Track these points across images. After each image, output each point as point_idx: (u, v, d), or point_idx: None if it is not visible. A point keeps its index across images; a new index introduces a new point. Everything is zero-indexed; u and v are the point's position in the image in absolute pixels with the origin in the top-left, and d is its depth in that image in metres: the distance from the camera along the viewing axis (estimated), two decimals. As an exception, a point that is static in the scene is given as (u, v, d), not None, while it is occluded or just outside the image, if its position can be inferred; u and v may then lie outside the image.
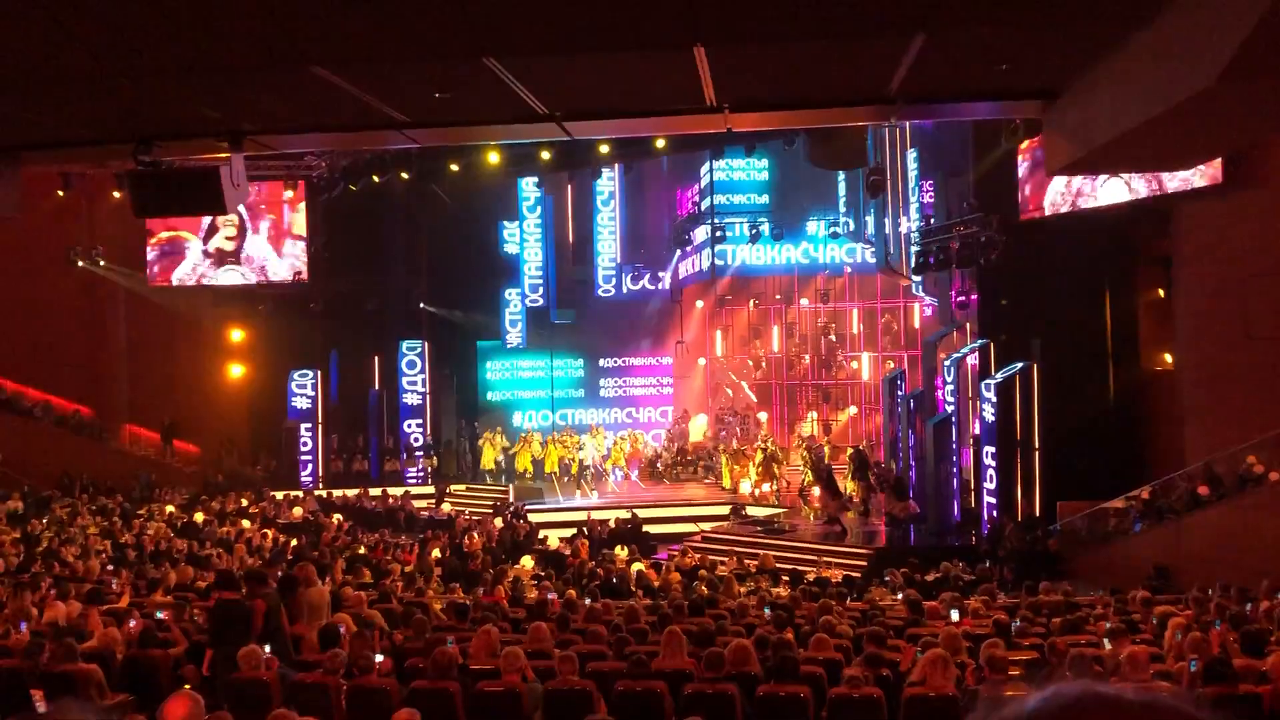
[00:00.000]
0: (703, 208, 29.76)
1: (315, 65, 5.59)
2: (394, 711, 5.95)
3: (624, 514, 21.90)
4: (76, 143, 7.95)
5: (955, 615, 10.07)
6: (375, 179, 23.09)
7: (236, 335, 29.12)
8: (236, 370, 29.12)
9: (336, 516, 22.48)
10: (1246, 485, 16.18)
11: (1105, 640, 8.63)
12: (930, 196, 24.40)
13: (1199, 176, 17.27)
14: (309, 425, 27.60)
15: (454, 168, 22.62)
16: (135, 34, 5.12)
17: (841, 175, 28.10)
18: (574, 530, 20.70)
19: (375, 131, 7.51)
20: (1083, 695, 1.06)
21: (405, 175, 23.16)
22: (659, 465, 27.73)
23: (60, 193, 23.23)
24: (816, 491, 22.00)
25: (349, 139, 9.66)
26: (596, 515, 21.95)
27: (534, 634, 8.98)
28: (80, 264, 25.07)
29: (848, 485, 22.41)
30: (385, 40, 5.24)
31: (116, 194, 21.94)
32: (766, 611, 10.88)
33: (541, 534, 20.76)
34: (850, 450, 24.57)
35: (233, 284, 26.79)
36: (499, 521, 21.46)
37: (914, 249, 22.87)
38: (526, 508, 23.35)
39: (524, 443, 27.31)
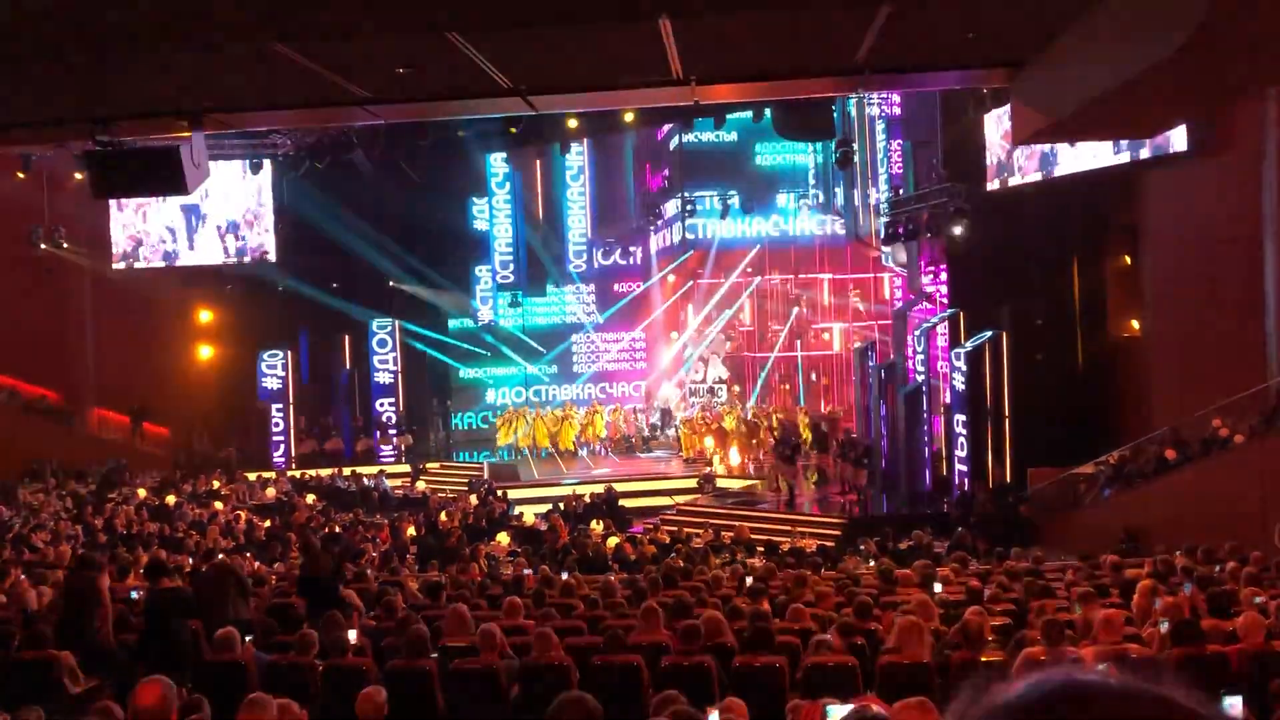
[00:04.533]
0: (671, 181, 29.69)
1: (275, 41, 5.49)
2: (370, 692, 5.94)
3: (599, 488, 21.94)
4: (34, 123, 7.80)
5: (939, 588, 10.14)
6: (341, 156, 22.87)
7: (205, 316, 28.83)
8: (205, 352, 28.83)
9: (310, 497, 22.40)
10: (1212, 449, 16.37)
11: (1076, 605, 8.72)
12: (899, 167, 24.45)
13: (1164, 144, 17.36)
14: (280, 406, 27.41)
15: (421, 143, 22.40)
16: (91, 8, 5.01)
17: (810, 147, 28.09)
18: (549, 506, 20.71)
19: (338, 108, 7.41)
20: (1065, 684, 1.04)
21: (371, 152, 22.93)
22: (632, 439, 27.81)
23: (20, 174, 22.83)
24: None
25: (312, 116, 9.53)
26: (574, 490, 21.98)
27: (510, 610, 8.98)
28: (43, 246, 24.68)
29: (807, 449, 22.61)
30: (345, 15, 5.15)
31: (78, 175, 21.59)
32: (749, 581, 10.92)
33: (517, 510, 20.76)
34: (806, 420, 24.80)
35: (199, 264, 26.60)
36: (474, 499, 21.44)
37: (883, 220, 22.95)
38: (499, 484, 23.35)
39: (562, 419, 27.34)
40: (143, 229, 26.44)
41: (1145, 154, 17.78)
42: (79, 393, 27.41)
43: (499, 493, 22.14)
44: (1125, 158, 18.09)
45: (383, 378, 28.02)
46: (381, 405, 27.99)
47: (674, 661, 7.19)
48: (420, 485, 24.56)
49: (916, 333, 22.36)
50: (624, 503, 21.61)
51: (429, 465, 27.06)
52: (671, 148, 29.75)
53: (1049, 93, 6.09)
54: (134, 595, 9.97)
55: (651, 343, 31.37)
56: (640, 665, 7.18)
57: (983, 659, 7.00)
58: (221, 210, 26.52)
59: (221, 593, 8.84)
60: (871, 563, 13.52)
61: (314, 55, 5.80)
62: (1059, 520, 18.35)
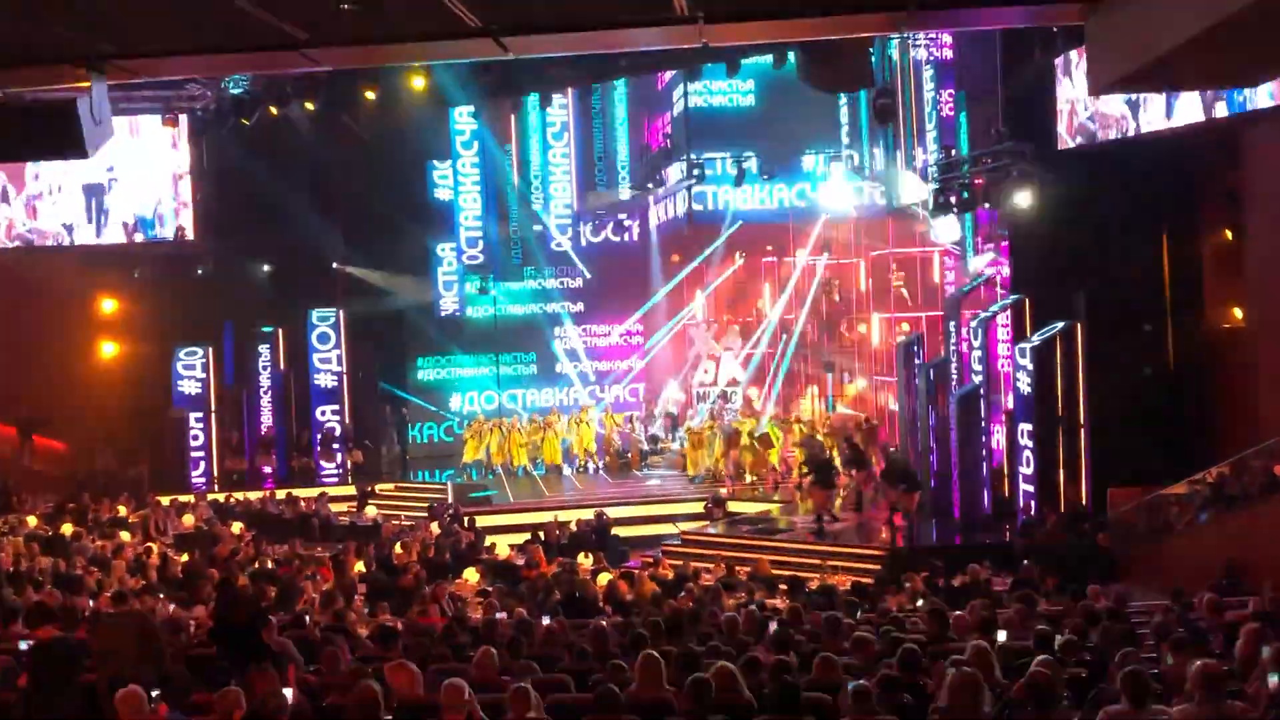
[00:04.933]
0: (675, 141, 29.65)
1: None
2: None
3: (587, 514, 21.94)
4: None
5: (1001, 635, 10.14)
6: (273, 111, 22.82)
7: (108, 306, 28.74)
8: (109, 349, 28.75)
9: (236, 525, 22.36)
10: (1333, 464, 16.37)
11: (1167, 655, 8.71)
12: (951, 123, 24.41)
13: (1274, 94, 17.33)
14: (200, 415, 27.38)
15: (370, 96, 22.38)
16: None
17: (844, 99, 28.07)
18: (527, 535, 20.71)
19: (269, 53, 7.38)
20: None
21: (310, 106, 22.89)
22: (628, 453, 27.82)
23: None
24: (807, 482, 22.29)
25: (237, 62, 9.50)
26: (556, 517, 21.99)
27: (481, 662, 8.97)
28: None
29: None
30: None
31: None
32: (770, 626, 10.93)
33: (488, 540, 20.76)
34: (826, 430, 24.85)
35: (100, 243, 26.51)
36: (435, 527, 21.43)
37: (932, 187, 22.91)
38: (466, 509, 23.35)
39: (544, 427, 27.42)
40: (32, 227, 26.17)
41: (1251, 106, 17.74)
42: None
43: (466, 520, 22.13)
44: (1226, 111, 18.04)
45: (324, 380, 28.00)
46: (323, 414, 27.96)
47: (679, 724, 7.18)
48: (370, 511, 24.55)
49: (972, 324, 22.36)
50: (618, 531, 21.62)
51: (380, 486, 27.04)
52: (675, 99, 29.71)
53: (1132, 32, 6.07)
54: (24, 646, 9.93)
55: (651, 336, 31.36)
56: (638, 729, 7.17)
57: (1054, 720, 6.99)
58: (129, 203, 26.31)
59: (123, 644, 8.81)
60: (919, 603, 13.52)
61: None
62: (1145, 551, 18.35)
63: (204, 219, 26.88)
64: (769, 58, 21.90)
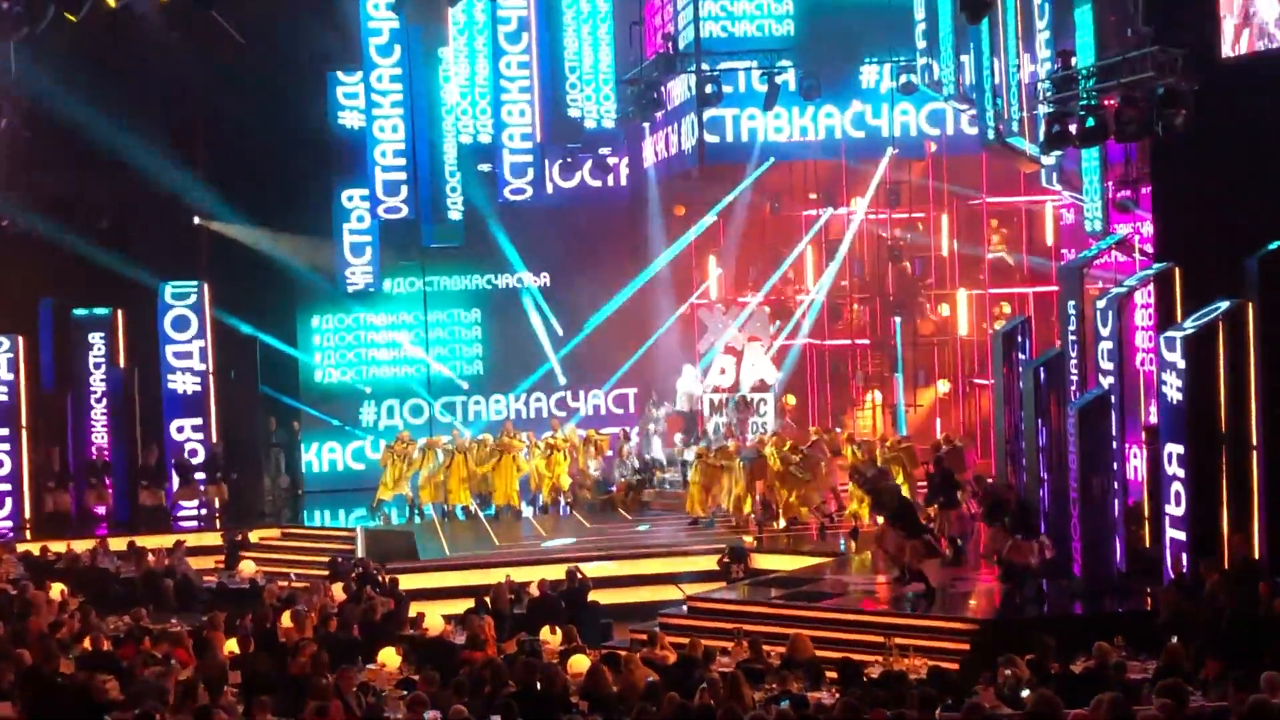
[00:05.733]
0: (680, 46, 29.65)
1: None
2: None
3: (555, 572, 21.92)
4: None
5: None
6: (110, 4, 22.79)
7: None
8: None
9: (58, 587, 22.36)
10: None
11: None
12: (1069, 22, 24.47)
13: None
14: (6, 432, 27.34)
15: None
16: None
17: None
18: (469, 603, 20.73)
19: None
20: None
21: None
22: (613, 486, 27.80)
23: None
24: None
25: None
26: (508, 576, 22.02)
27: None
28: None
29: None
30: None
31: None
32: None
33: (414, 609, 20.77)
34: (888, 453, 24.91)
35: None
36: (340, 591, 21.44)
37: (1044, 111, 22.94)
38: (383, 566, 23.37)
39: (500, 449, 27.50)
40: None
41: None
42: None
43: (383, 579, 22.15)
44: None
45: (182, 383, 27.97)
46: (180, 430, 27.93)
47: None
48: (246, 568, 24.57)
49: (1100, 304, 22.39)
50: (597, 596, 21.64)
51: (260, 534, 27.02)
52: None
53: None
54: None
55: (645, 321, 31.37)
56: None
57: None
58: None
59: None
60: (1026, 694, 13.55)
61: None
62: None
63: (10, 157, 26.84)
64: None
